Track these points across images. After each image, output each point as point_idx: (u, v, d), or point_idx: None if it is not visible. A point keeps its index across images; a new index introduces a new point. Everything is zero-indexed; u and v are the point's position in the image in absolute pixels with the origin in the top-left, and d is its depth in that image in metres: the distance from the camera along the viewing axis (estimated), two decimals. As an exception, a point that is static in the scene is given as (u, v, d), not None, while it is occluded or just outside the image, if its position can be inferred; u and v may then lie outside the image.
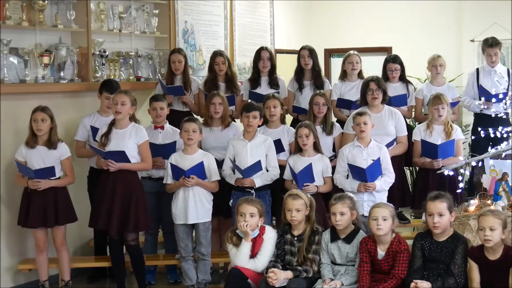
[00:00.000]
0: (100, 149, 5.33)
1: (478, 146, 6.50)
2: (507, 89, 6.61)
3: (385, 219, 4.66)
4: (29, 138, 5.35)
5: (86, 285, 6.04)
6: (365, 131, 5.52)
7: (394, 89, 6.60)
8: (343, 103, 6.61)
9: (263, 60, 6.74)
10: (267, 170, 5.63)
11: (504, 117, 6.18)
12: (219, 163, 5.74)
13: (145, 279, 5.65)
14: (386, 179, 5.50)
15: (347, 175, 5.56)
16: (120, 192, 5.32)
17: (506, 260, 4.34)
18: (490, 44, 6.94)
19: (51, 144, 5.36)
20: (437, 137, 6.01)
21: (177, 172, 5.39)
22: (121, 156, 5.29)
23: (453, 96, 6.77)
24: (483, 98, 6.76)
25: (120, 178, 5.32)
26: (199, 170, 5.39)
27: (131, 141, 5.38)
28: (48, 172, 5.32)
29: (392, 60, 6.80)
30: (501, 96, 6.24)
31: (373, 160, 5.45)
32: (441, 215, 4.54)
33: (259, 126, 5.79)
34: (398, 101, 6.51)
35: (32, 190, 5.30)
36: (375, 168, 5.41)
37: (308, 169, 5.48)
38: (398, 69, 6.74)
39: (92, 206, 5.68)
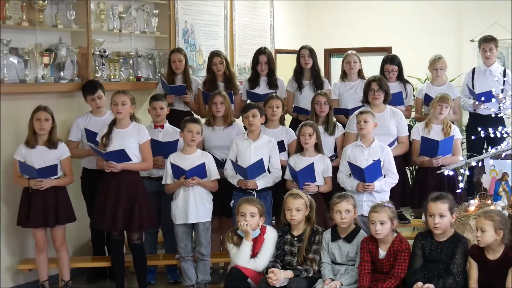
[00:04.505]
0: (100, 151, 5.33)
1: (473, 146, 6.53)
2: (502, 89, 6.62)
3: (382, 223, 4.65)
4: (30, 138, 5.34)
5: (86, 285, 6.04)
6: (365, 129, 5.51)
7: (392, 88, 6.57)
8: (341, 112, 6.60)
9: (261, 65, 6.77)
10: (269, 172, 5.63)
11: (504, 116, 6.19)
12: (222, 163, 5.75)
13: (146, 279, 5.66)
14: (388, 180, 5.50)
15: (350, 174, 5.56)
16: (125, 192, 5.34)
17: (506, 260, 4.33)
18: (485, 39, 7.00)
19: (51, 143, 5.36)
20: (435, 137, 6.04)
21: (178, 172, 5.40)
22: (121, 155, 5.30)
23: (453, 95, 6.78)
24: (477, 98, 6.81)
25: (124, 179, 5.34)
26: (200, 171, 5.40)
27: (133, 140, 5.41)
28: (50, 171, 5.32)
29: (390, 61, 6.79)
30: (481, 98, 6.30)
31: (374, 160, 5.45)
32: (442, 216, 4.53)
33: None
34: (394, 100, 6.51)
35: (33, 190, 5.29)
36: (375, 169, 5.40)
37: (310, 168, 5.48)
38: (395, 70, 6.74)
39: (92, 206, 5.68)
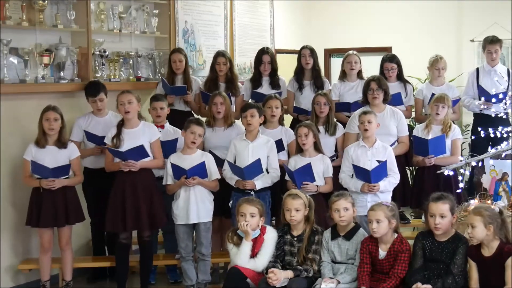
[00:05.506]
0: (119, 150, 5.29)
1: (478, 146, 6.50)
2: (507, 89, 6.61)
3: (379, 222, 4.66)
4: (40, 138, 5.32)
5: (86, 285, 6.04)
6: (369, 130, 5.51)
7: (392, 88, 6.56)
8: (342, 107, 6.60)
9: (264, 64, 6.78)
10: (268, 172, 5.63)
11: (504, 117, 6.18)
12: (222, 163, 5.74)
13: (149, 277, 5.67)
14: (391, 180, 5.49)
15: (352, 175, 5.55)
16: (143, 191, 5.34)
17: (501, 256, 4.33)
18: (491, 40, 6.96)
19: (61, 143, 5.36)
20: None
21: (178, 172, 5.40)
22: (140, 152, 5.30)
23: (452, 95, 6.77)
24: (483, 98, 6.77)
25: (140, 178, 5.34)
26: (200, 170, 5.39)
27: (144, 139, 5.41)
28: (63, 170, 5.33)
29: (389, 59, 6.79)
30: (501, 96, 6.25)
31: (377, 160, 5.45)
32: (442, 216, 4.53)
33: (260, 124, 5.79)
34: (393, 100, 6.51)
35: (44, 190, 5.27)
36: (381, 170, 5.39)
37: (307, 168, 5.47)
38: (394, 68, 6.73)
39: (93, 206, 5.68)
